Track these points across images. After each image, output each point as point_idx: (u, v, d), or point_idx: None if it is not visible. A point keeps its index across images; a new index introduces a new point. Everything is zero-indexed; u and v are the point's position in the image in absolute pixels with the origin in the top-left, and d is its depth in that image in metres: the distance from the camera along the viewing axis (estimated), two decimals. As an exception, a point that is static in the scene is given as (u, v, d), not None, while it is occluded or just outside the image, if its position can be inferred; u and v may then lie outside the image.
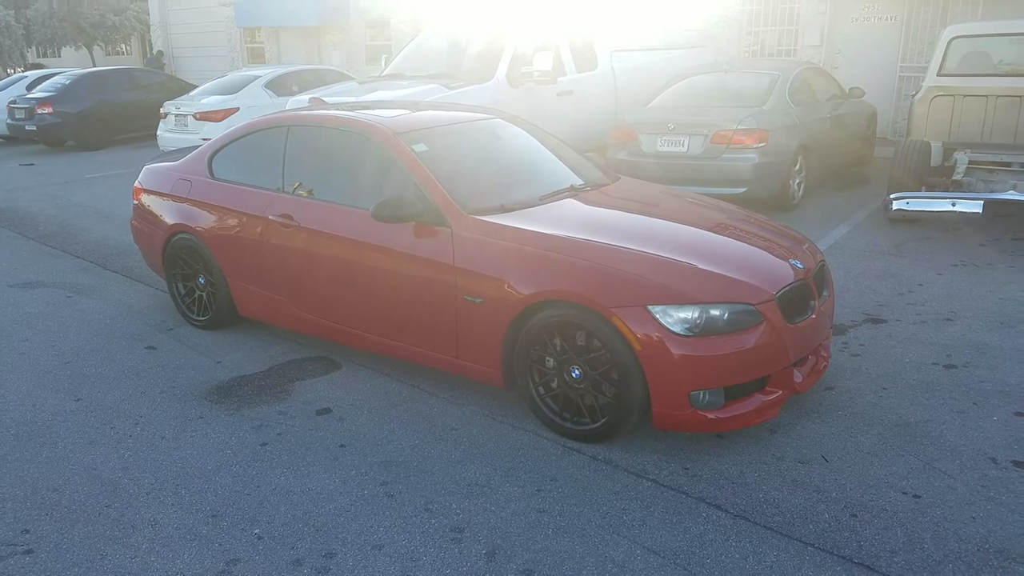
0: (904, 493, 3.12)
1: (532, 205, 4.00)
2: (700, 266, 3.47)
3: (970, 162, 7.04)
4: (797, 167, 7.85)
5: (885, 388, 4.04)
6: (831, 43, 12.39)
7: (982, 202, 6.27)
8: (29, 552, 2.86)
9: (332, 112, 4.71)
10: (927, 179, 7.12)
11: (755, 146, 7.35)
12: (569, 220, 3.86)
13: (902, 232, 7.03)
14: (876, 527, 2.92)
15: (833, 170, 8.92)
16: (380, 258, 4.00)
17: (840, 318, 4.99)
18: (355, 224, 4.10)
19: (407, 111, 4.71)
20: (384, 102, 5.67)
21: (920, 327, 4.84)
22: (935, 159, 7.40)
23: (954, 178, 6.92)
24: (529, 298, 3.48)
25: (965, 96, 7.54)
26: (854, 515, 2.99)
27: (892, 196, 6.71)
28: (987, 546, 2.80)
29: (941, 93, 7.58)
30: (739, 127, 7.37)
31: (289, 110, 5.38)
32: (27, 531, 2.99)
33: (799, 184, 7.96)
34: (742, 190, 7.35)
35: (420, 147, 4.12)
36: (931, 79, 7.72)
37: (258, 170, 4.74)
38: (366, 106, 5.18)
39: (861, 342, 4.64)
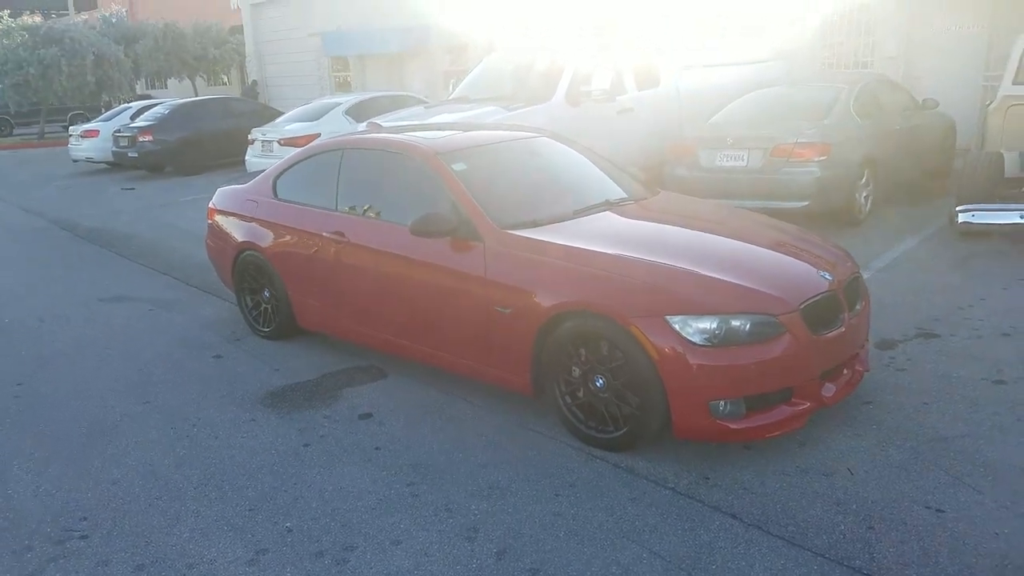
0: (927, 507, 3.07)
1: (565, 219, 4.13)
2: (722, 277, 3.51)
3: (1046, 173, 6.75)
4: (863, 180, 7.66)
5: (926, 403, 3.95)
6: (910, 54, 12.00)
7: (1054, 214, 6.01)
8: (84, 537, 3.18)
9: (381, 135, 5.00)
10: (1000, 191, 6.85)
11: (816, 159, 7.23)
12: (599, 233, 3.98)
13: (972, 246, 6.76)
14: (892, 540, 2.89)
15: (905, 183, 8.65)
16: (420, 272, 4.21)
17: (891, 332, 4.88)
18: (398, 240, 4.33)
19: (452, 132, 4.93)
20: (436, 124, 5.93)
21: (974, 342, 4.69)
22: (1011, 170, 7.10)
23: (1026, 189, 6.65)
24: (553, 309, 3.61)
25: None
26: (871, 527, 2.97)
27: (958, 208, 6.49)
28: (1006, 562, 2.73)
29: (1017, 102, 7.28)
30: (799, 140, 7.28)
31: (347, 134, 5.71)
32: (85, 519, 3.32)
33: (866, 197, 7.76)
34: (804, 204, 7.24)
35: (459, 166, 4.31)
36: (1006, 88, 7.43)
37: (316, 190, 5.04)
38: (418, 128, 5.44)
39: (908, 357, 4.53)
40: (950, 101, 9.92)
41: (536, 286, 3.69)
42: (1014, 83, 7.29)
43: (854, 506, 3.11)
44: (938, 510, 3.05)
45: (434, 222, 4.00)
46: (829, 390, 3.60)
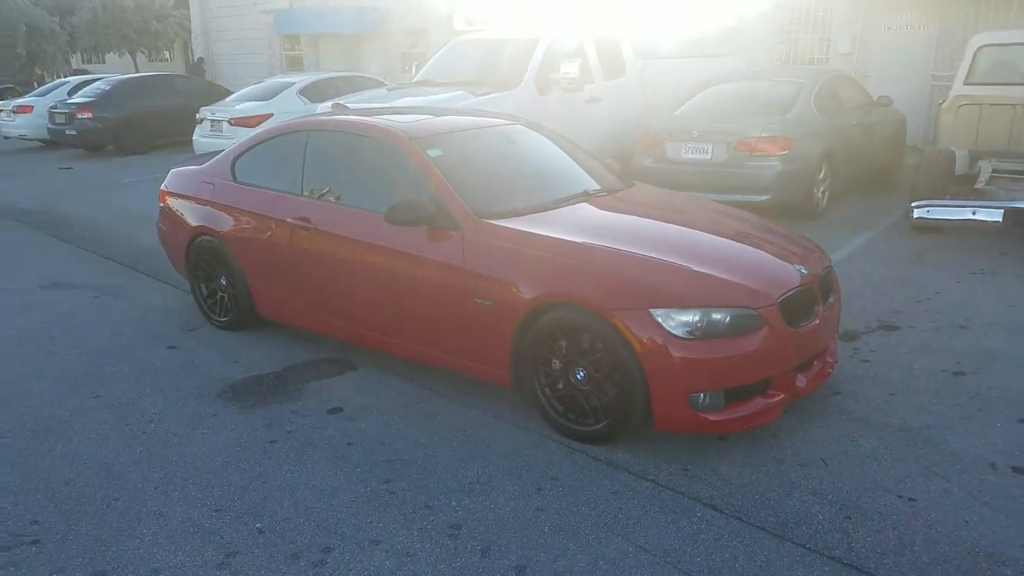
0: (900, 496, 3.13)
1: (544, 209, 4.07)
2: (704, 270, 3.51)
3: (994, 171, 6.96)
4: (822, 175, 7.80)
5: (892, 394, 4.03)
6: (863, 52, 12.29)
7: (1002, 210, 6.21)
8: (36, 542, 2.97)
9: (351, 118, 4.83)
10: (951, 187, 7.05)
11: (778, 154, 7.34)
12: (578, 224, 3.93)
13: (925, 240, 6.95)
14: (869, 529, 2.93)
15: (860, 178, 8.84)
16: (394, 260, 4.10)
17: (854, 324, 4.97)
18: (370, 227, 4.20)
19: (426, 117, 4.81)
20: (405, 108, 5.79)
21: (933, 334, 4.81)
22: (960, 167, 7.32)
23: (976, 186, 6.85)
24: (535, 300, 3.55)
25: (992, 105, 7.47)
26: (848, 517, 3.00)
27: (913, 204, 6.66)
28: (977, 550, 2.80)
29: (967, 102, 7.51)
30: (762, 135, 7.37)
31: (311, 115, 5.53)
32: (36, 522, 3.10)
33: (823, 192, 7.91)
34: (765, 197, 7.34)
35: (435, 152, 4.20)
36: (958, 87, 7.66)
37: (278, 174, 4.86)
38: (386, 112, 5.30)
39: (872, 348, 4.62)
40: (900, 99, 10.18)
41: (518, 277, 3.63)
42: (965, 83, 7.51)
43: (830, 496, 3.15)
44: (910, 499, 3.11)
45: (411, 209, 3.89)
46: (801, 381, 3.64)
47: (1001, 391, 4.01)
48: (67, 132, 14.75)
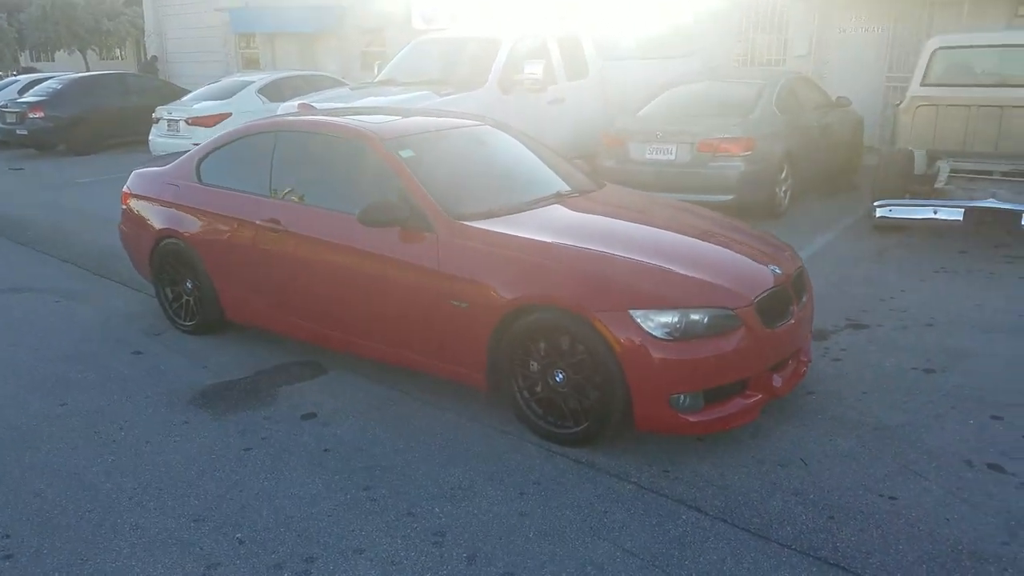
0: (881, 495, 3.17)
1: (518, 210, 4.04)
2: (681, 271, 3.51)
3: (952, 170, 7.13)
4: (783, 175, 7.92)
5: (865, 392, 4.09)
6: (819, 53, 12.50)
7: (963, 210, 6.35)
8: (9, 557, 2.87)
9: (320, 118, 4.75)
10: (911, 187, 7.20)
11: (741, 154, 7.42)
12: (554, 225, 3.91)
13: (886, 239, 7.09)
14: (852, 529, 2.96)
15: (820, 178, 8.99)
16: (366, 263, 4.03)
17: (822, 323, 5.04)
18: (341, 229, 4.13)
19: (395, 117, 4.75)
20: (373, 108, 5.72)
21: (901, 332, 4.90)
22: (919, 167, 7.47)
23: (936, 186, 7.00)
24: (512, 302, 3.52)
25: (948, 106, 7.64)
26: (831, 517, 3.03)
27: (876, 203, 6.78)
28: (960, 547, 2.84)
29: (924, 103, 7.67)
30: (725, 136, 7.45)
31: (278, 116, 5.42)
32: (7, 536, 3.00)
33: (785, 192, 8.02)
34: (729, 197, 7.41)
35: (407, 153, 4.15)
36: (915, 89, 7.82)
37: (246, 175, 4.76)
38: (355, 112, 5.22)
39: (843, 347, 4.69)
40: (856, 100, 10.35)
41: (495, 279, 3.59)
42: (922, 84, 7.67)
43: (812, 496, 3.18)
44: (891, 498, 3.15)
45: (385, 210, 3.83)
46: (778, 381, 3.66)
47: (972, 388, 4.09)
48: (18, 132, 14.34)
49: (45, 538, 2.98)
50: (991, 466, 3.36)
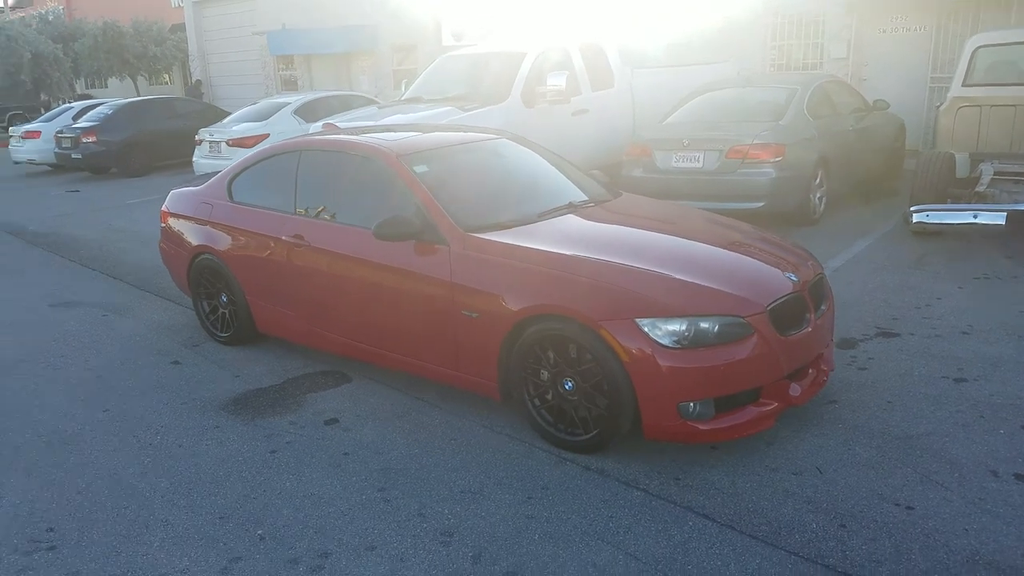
0: (897, 505, 3.11)
1: (530, 222, 4.10)
2: (690, 279, 3.52)
3: (995, 173, 6.92)
4: (817, 181, 7.80)
5: (890, 402, 4.01)
6: (859, 55, 12.28)
7: (1005, 213, 6.16)
8: (52, 548, 3.09)
9: (339, 136, 4.91)
10: (952, 191, 7.02)
11: (772, 160, 7.32)
12: (564, 236, 3.95)
13: (925, 245, 6.93)
14: (864, 537, 2.92)
15: (858, 183, 8.83)
16: (383, 276, 4.14)
17: (851, 332, 4.96)
18: (360, 243, 4.24)
19: (413, 134, 4.87)
20: (394, 126, 5.85)
21: (934, 341, 4.79)
22: (961, 171, 7.29)
23: (977, 189, 6.81)
24: (521, 312, 3.57)
25: (992, 106, 7.44)
26: (843, 525, 3.00)
27: (912, 208, 6.63)
28: (977, 558, 2.78)
29: (966, 104, 7.49)
30: (755, 142, 7.36)
31: (303, 135, 5.60)
32: (52, 529, 3.22)
33: (820, 198, 7.91)
34: (760, 204, 7.32)
35: (421, 168, 4.25)
36: (956, 89, 7.64)
37: (273, 193, 4.92)
38: (375, 130, 5.36)
39: (870, 356, 4.61)
40: (898, 102, 10.17)
41: (504, 289, 3.65)
42: (963, 85, 7.49)
43: (825, 504, 3.14)
44: (908, 507, 3.10)
45: (398, 225, 3.93)
46: (795, 390, 3.61)
47: (1005, 397, 3.98)
48: (73, 156, 14.91)
49: (85, 532, 3.19)
50: (1018, 476, 3.27)
